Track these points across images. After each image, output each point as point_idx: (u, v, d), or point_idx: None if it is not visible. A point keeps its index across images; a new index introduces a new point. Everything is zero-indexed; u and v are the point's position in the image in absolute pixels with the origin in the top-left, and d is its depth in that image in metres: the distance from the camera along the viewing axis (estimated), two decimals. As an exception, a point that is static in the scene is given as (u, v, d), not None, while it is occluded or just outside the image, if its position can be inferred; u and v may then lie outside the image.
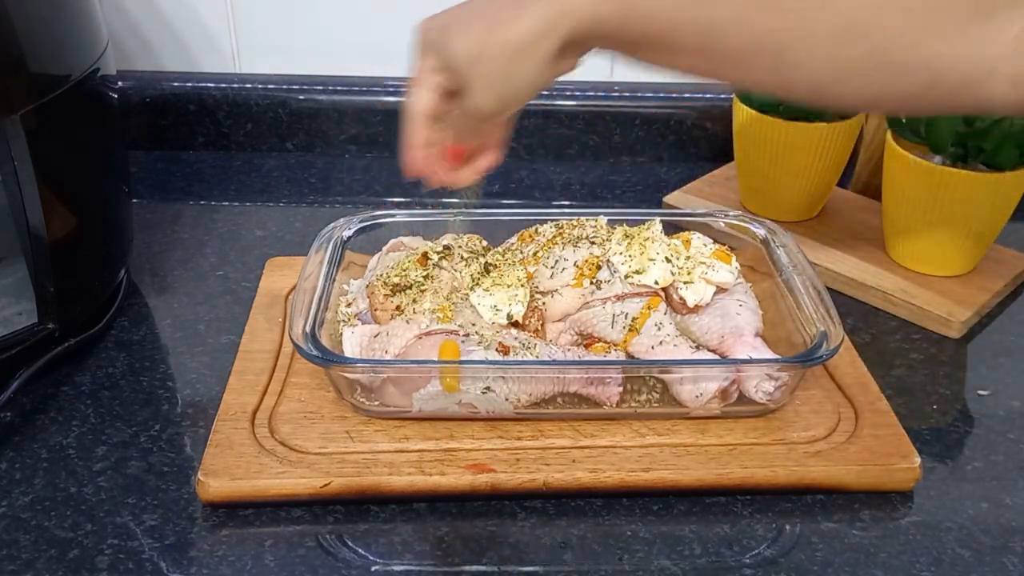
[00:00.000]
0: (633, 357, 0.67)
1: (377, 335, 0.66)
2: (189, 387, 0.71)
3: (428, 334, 0.64)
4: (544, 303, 0.67)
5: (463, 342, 0.63)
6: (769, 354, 0.65)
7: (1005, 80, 0.50)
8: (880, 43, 0.51)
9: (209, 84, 1.02)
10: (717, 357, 0.66)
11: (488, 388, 0.62)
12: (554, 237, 0.71)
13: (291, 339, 0.63)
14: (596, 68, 1.03)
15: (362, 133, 1.04)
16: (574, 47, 0.54)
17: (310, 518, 0.60)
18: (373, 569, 0.57)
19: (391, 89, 1.02)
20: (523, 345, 0.64)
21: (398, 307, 0.67)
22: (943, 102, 0.53)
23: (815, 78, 0.53)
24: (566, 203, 0.98)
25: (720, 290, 0.68)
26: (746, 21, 0.52)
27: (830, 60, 0.52)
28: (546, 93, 1.02)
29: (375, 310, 0.68)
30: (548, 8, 0.52)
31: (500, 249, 0.73)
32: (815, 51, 0.51)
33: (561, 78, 0.55)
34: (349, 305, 0.70)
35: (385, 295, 0.68)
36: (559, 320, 0.68)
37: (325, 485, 0.60)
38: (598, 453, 0.63)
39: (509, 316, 0.66)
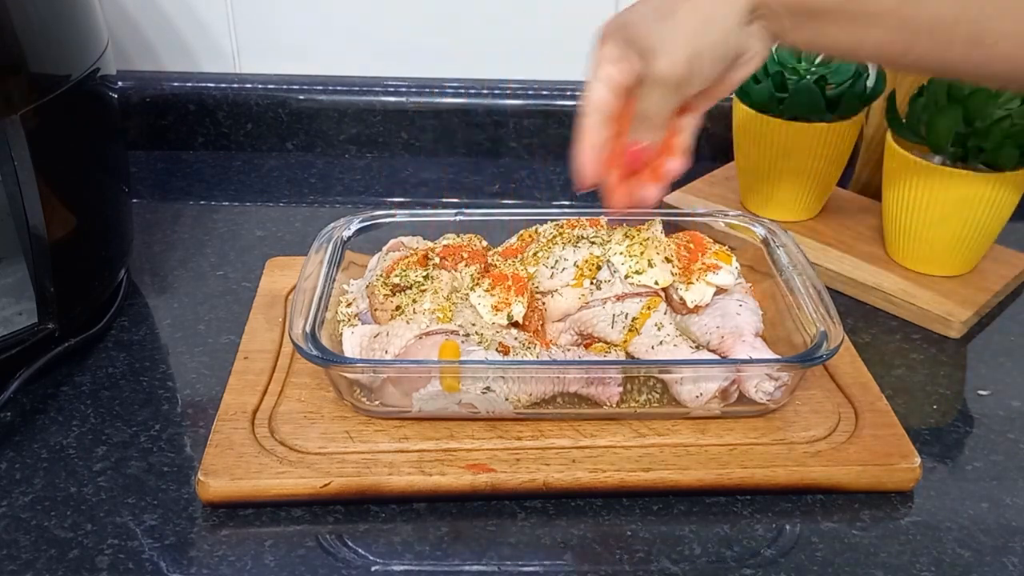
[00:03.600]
0: (633, 357, 0.67)
1: (377, 335, 0.66)
2: (189, 387, 0.71)
3: (428, 334, 0.64)
4: (544, 303, 0.67)
5: (463, 342, 0.63)
6: (769, 354, 0.65)
7: None
8: None
9: (209, 84, 1.02)
10: (717, 357, 0.66)
11: (488, 388, 0.62)
12: (554, 237, 0.71)
13: (291, 339, 0.63)
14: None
15: (362, 133, 1.04)
16: (761, 17, 0.53)
17: (310, 518, 0.60)
18: (373, 569, 0.57)
19: (391, 89, 1.02)
20: (523, 345, 0.64)
21: (398, 307, 0.67)
22: None
23: (1020, 55, 0.49)
24: (566, 203, 0.98)
25: (720, 290, 0.68)
26: None
27: None
28: (546, 93, 1.04)
29: (375, 310, 0.68)
30: None
31: (500, 249, 0.73)
32: (1022, 21, 0.48)
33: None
34: (349, 305, 0.70)
35: (385, 295, 0.68)
36: (559, 320, 0.68)
37: (325, 485, 0.60)
38: (598, 453, 0.63)
39: (509, 316, 0.66)
